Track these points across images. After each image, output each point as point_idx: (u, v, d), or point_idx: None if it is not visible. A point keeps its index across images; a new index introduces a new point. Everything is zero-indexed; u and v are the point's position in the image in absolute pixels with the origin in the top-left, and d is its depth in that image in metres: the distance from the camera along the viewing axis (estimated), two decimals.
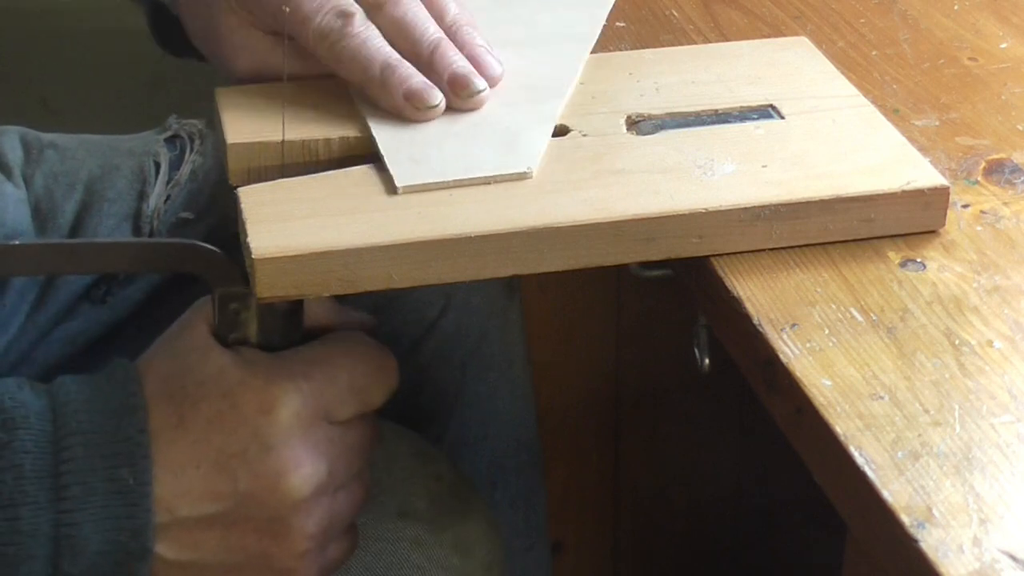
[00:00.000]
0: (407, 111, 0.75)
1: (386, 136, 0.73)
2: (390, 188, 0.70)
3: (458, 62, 0.76)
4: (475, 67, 0.77)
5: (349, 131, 0.75)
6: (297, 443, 0.70)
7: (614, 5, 0.88)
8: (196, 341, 0.71)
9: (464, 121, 0.75)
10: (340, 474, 0.72)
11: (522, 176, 0.71)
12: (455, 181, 0.70)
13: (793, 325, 0.66)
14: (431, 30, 0.77)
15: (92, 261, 0.73)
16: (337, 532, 0.74)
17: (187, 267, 0.71)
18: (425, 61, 0.76)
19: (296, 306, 0.73)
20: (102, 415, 0.69)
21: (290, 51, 0.77)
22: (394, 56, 0.76)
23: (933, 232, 0.72)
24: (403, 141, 0.73)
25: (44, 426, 0.68)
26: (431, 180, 0.70)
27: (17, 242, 0.75)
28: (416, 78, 0.75)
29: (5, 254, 0.70)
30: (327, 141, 0.74)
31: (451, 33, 0.78)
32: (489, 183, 0.71)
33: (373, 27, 0.76)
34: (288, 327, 0.73)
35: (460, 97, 0.76)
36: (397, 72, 0.75)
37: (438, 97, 0.75)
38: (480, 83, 0.76)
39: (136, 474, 0.68)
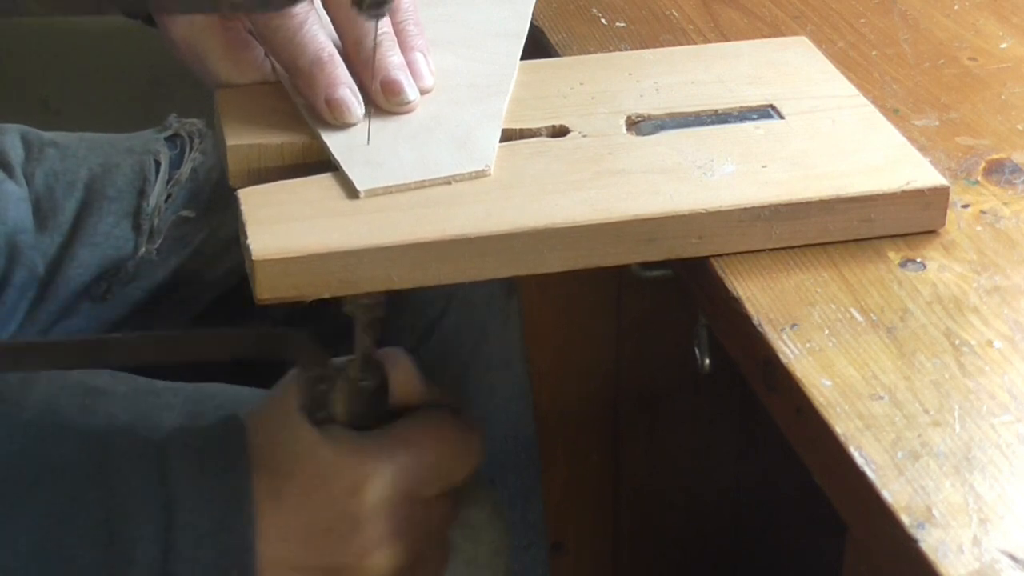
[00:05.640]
0: (324, 115, 0.74)
1: (338, 141, 0.73)
2: (351, 192, 0.70)
3: (396, 66, 0.75)
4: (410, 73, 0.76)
5: None
6: (382, 522, 0.72)
7: (536, 2, 0.87)
8: (287, 418, 0.73)
9: (414, 123, 0.75)
10: (421, 549, 0.74)
11: (480, 175, 0.71)
12: (416, 183, 0.70)
13: (793, 325, 0.66)
14: (381, 25, 0.75)
15: (180, 351, 0.74)
16: None
17: (276, 354, 0.72)
18: (364, 56, 0.75)
19: (382, 386, 0.74)
20: (212, 499, 0.70)
21: (225, 51, 0.77)
22: (327, 50, 0.74)
23: (933, 232, 0.72)
24: (356, 145, 0.73)
25: (156, 505, 0.69)
26: (392, 183, 0.70)
27: (119, 335, 0.76)
28: (340, 88, 0.73)
29: (104, 347, 0.72)
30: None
31: (398, 29, 0.77)
32: (449, 183, 0.71)
33: (314, 12, 0.75)
34: (374, 406, 0.74)
35: (391, 103, 0.75)
36: (325, 71, 0.73)
37: (356, 114, 0.74)
38: (412, 93, 0.75)
39: (241, 557, 0.70)
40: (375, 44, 0.74)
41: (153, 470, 0.70)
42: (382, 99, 0.75)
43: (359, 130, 0.74)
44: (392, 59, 0.75)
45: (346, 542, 0.71)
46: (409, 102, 0.75)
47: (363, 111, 0.74)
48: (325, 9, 0.76)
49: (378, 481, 0.71)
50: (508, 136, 0.75)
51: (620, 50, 0.88)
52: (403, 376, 0.75)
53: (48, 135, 1.00)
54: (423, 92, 0.76)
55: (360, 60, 0.75)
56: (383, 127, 0.74)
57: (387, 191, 0.70)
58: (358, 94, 0.74)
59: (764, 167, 0.72)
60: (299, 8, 0.74)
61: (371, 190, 0.70)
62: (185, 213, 0.97)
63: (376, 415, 0.74)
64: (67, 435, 0.71)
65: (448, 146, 0.73)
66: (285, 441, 0.72)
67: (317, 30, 0.74)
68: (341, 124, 0.73)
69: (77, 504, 0.69)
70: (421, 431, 0.74)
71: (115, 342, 0.74)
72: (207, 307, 0.98)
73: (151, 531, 0.68)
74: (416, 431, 0.74)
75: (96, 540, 0.68)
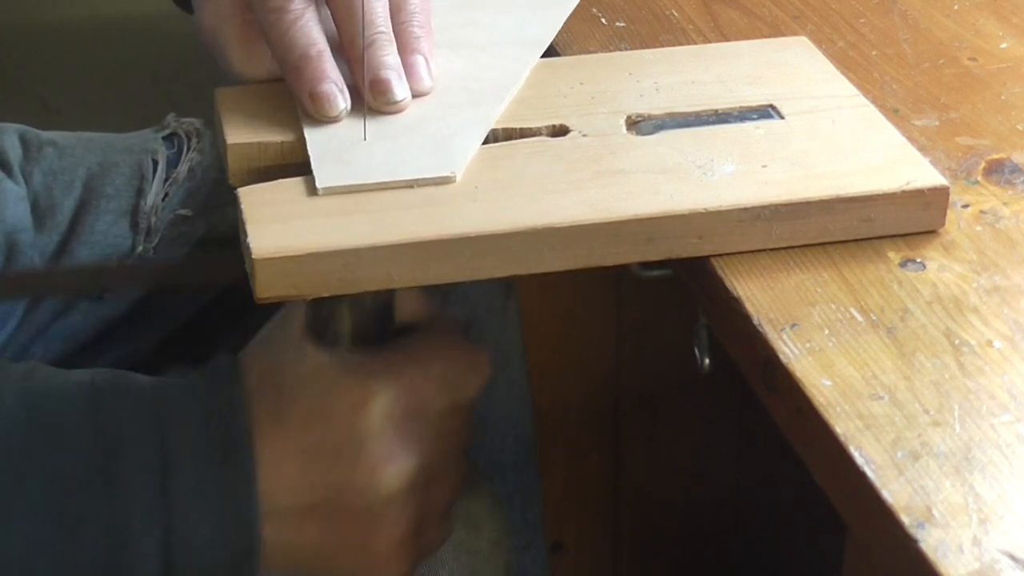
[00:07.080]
0: (310, 110, 0.74)
1: (319, 136, 0.73)
2: (311, 189, 0.70)
3: (387, 66, 0.75)
4: (406, 73, 0.75)
5: None
6: (389, 438, 0.71)
7: (576, 7, 0.87)
8: (292, 339, 0.73)
9: (399, 123, 0.75)
10: (433, 466, 0.73)
11: (446, 180, 0.70)
12: (378, 184, 0.70)
13: (793, 325, 0.66)
14: (378, 23, 0.75)
15: (183, 275, 0.74)
16: (432, 520, 0.75)
17: None
18: (358, 54, 0.74)
19: (388, 304, 0.74)
20: (207, 426, 0.70)
21: (241, 42, 0.77)
22: (316, 47, 0.74)
23: (933, 232, 0.72)
24: (335, 141, 0.72)
25: (152, 441, 0.70)
26: (353, 182, 0.70)
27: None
28: (325, 83, 0.73)
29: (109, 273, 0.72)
30: None
31: (400, 30, 0.76)
32: (412, 187, 0.70)
33: (312, 9, 0.75)
34: (380, 325, 0.74)
35: (378, 101, 0.74)
36: (311, 66, 0.73)
37: (339, 107, 0.73)
38: (400, 93, 0.74)
39: (241, 481, 0.70)
40: (371, 42, 0.74)
41: (149, 416, 0.70)
42: (370, 98, 0.75)
43: (341, 127, 0.73)
44: (385, 58, 0.75)
45: (354, 459, 0.71)
46: (396, 102, 0.75)
47: (347, 107, 0.74)
48: (327, 6, 0.76)
49: (383, 397, 0.71)
50: (508, 136, 0.75)
51: (620, 50, 0.88)
52: (408, 293, 0.75)
53: (46, 134, 1.00)
54: (419, 95, 0.76)
55: (354, 57, 0.75)
56: (369, 126, 0.74)
57: (348, 190, 0.70)
58: (344, 90, 0.74)
59: (764, 167, 0.72)
60: (297, 4, 0.74)
61: (329, 188, 0.69)
62: (183, 212, 0.97)
63: (382, 333, 0.74)
64: (55, 393, 0.71)
65: (423, 149, 0.72)
66: (291, 363, 0.72)
67: (312, 27, 0.74)
68: (323, 118, 0.73)
69: (73, 457, 0.69)
70: (427, 345, 0.74)
71: (115, 269, 0.74)
72: (206, 306, 0.98)
73: (149, 478, 0.68)
74: (422, 345, 0.74)
75: (93, 488, 0.68)
